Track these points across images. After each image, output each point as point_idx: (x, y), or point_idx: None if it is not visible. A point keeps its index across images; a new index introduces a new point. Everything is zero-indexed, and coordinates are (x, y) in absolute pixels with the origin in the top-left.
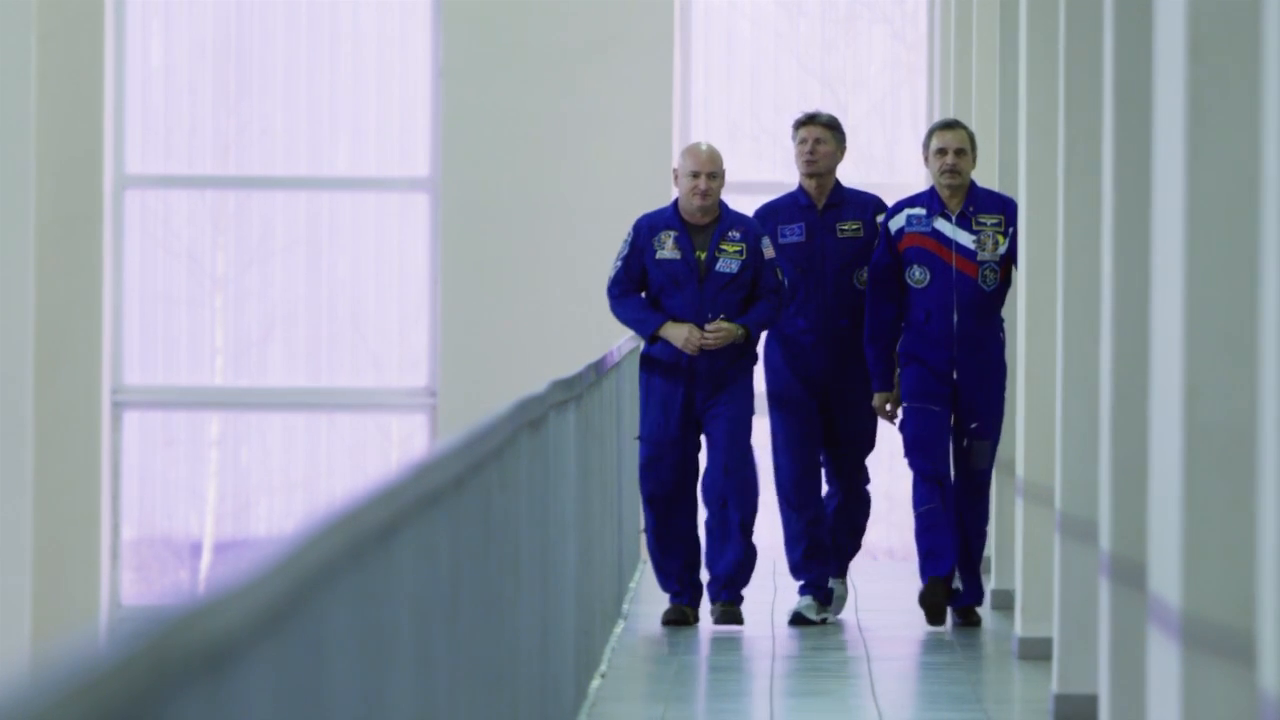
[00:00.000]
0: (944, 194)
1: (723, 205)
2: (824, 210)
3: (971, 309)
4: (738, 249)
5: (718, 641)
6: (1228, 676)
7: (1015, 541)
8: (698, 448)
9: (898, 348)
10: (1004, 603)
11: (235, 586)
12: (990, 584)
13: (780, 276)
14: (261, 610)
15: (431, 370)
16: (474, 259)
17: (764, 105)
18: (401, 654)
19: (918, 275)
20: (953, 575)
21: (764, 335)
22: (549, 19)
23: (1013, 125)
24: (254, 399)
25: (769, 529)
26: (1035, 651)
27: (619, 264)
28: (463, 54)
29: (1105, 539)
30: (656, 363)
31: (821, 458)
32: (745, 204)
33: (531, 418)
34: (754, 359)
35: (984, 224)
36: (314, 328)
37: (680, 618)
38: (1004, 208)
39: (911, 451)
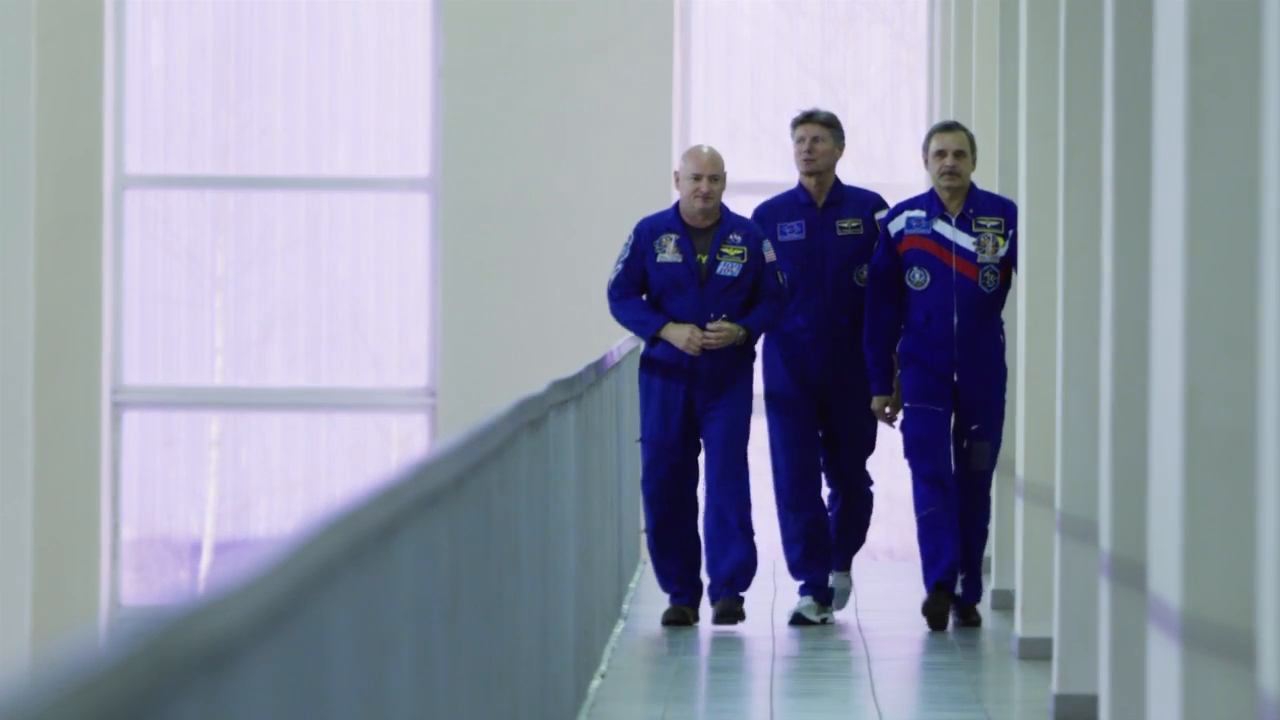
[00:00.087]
0: (944, 196)
1: (724, 208)
2: (824, 208)
3: (971, 311)
4: (739, 252)
5: (718, 641)
6: (1228, 676)
7: (1015, 541)
8: (698, 449)
9: (898, 349)
10: (1004, 603)
11: (235, 586)
12: (990, 584)
13: (781, 279)
14: (261, 610)
15: (431, 370)
16: (474, 259)
17: (764, 105)
18: (401, 654)
19: (918, 277)
20: (955, 580)
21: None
22: (549, 19)
23: (1013, 126)
24: (254, 399)
25: (768, 529)
26: (1035, 651)
27: (619, 267)
28: (463, 54)
29: (1105, 539)
30: (657, 364)
31: (822, 460)
32: (745, 204)
33: (531, 418)
34: (754, 358)
35: (984, 226)
36: (314, 328)
37: (680, 618)
38: (1004, 210)
39: (912, 452)
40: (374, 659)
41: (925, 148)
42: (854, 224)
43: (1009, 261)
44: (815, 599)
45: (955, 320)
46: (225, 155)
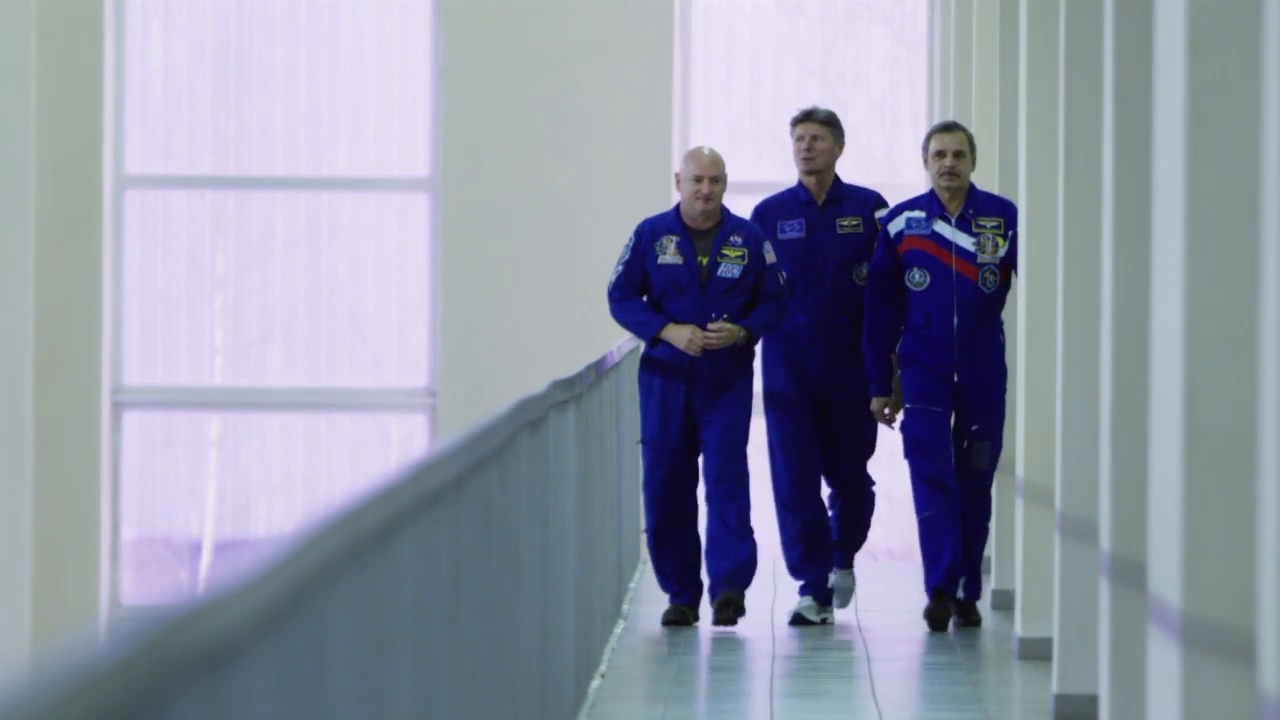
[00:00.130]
0: (943, 196)
1: (724, 210)
2: (824, 206)
3: (972, 311)
4: (740, 254)
5: (718, 641)
6: (1228, 676)
7: (1015, 541)
8: (698, 450)
9: (897, 350)
10: (1004, 603)
11: (235, 586)
12: (990, 584)
13: (782, 281)
14: (261, 610)
15: (431, 370)
16: (474, 259)
17: (764, 106)
18: (401, 654)
19: (917, 278)
20: (956, 584)
21: None
22: (549, 19)
23: (1013, 126)
24: (254, 399)
25: (768, 530)
26: (1035, 651)
27: (620, 268)
28: (463, 54)
29: (1105, 539)
30: (657, 364)
31: (822, 460)
32: (745, 205)
33: (531, 418)
34: (754, 360)
35: (984, 226)
36: (314, 328)
37: (680, 618)
38: (1004, 211)
39: (912, 453)
40: (374, 659)
41: (925, 148)
42: (854, 222)
43: (1008, 262)
44: (815, 599)
45: (955, 321)
46: (225, 155)
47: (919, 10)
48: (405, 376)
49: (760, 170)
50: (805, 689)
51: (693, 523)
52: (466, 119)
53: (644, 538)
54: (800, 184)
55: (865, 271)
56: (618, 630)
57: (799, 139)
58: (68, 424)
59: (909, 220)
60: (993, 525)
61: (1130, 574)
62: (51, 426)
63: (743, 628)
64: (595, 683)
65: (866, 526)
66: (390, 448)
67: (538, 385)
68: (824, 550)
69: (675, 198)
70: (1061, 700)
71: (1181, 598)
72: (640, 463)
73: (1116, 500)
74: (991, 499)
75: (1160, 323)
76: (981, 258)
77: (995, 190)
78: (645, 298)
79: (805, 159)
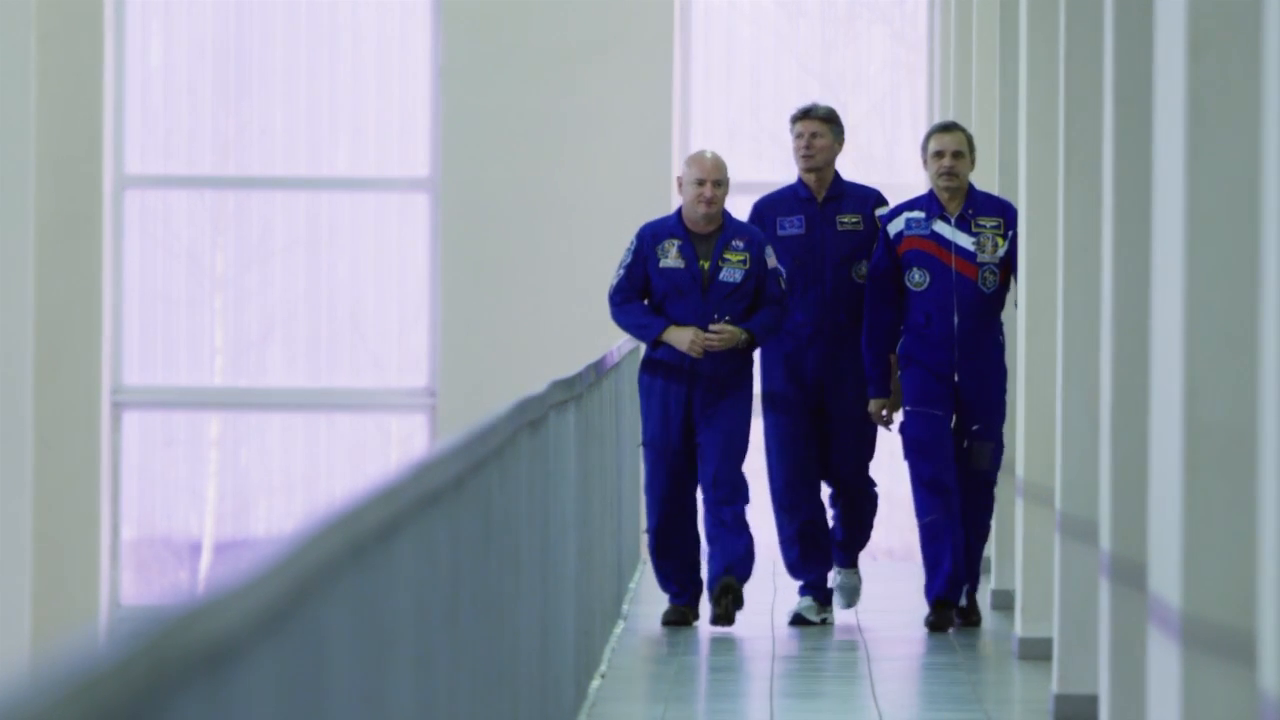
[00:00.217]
0: (942, 196)
1: (726, 214)
2: (824, 203)
3: (972, 311)
4: (741, 258)
5: (718, 641)
6: (1228, 676)
7: (1015, 541)
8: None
9: (897, 350)
10: (1004, 603)
11: (235, 586)
12: (990, 584)
13: (783, 285)
14: (261, 610)
15: (431, 370)
16: (474, 259)
17: (764, 106)
18: (401, 654)
19: (917, 278)
20: (958, 591)
21: None
22: (549, 19)
23: (1013, 126)
24: (254, 399)
25: (767, 530)
26: (1035, 651)
27: (621, 272)
28: (463, 54)
29: (1105, 539)
30: (658, 366)
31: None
32: (745, 204)
33: (531, 418)
34: (754, 364)
35: (983, 226)
36: (314, 328)
37: (680, 618)
38: (1003, 211)
39: (912, 454)
40: (374, 659)
41: (924, 148)
42: (854, 219)
43: (1008, 262)
44: (815, 599)
45: (955, 320)
46: (225, 155)
47: (919, 10)
48: (405, 376)
49: (760, 170)
50: (805, 689)
51: (693, 523)
52: (466, 119)
53: (644, 538)
54: (800, 181)
55: (865, 269)
56: (618, 630)
57: (798, 136)
58: (68, 424)
59: (908, 221)
60: (993, 525)
61: (1130, 574)
62: (51, 426)
63: (743, 628)
64: (595, 683)
65: (869, 527)
66: (390, 448)
67: (538, 385)
68: (822, 550)
69: (675, 198)
70: (1061, 700)
71: (1181, 598)
72: (641, 465)
73: (1116, 500)
74: (994, 498)
75: (1160, 323)
76: (981, 257)
77: (995, 190)
78: (646, 301)
79: (805, 156)
